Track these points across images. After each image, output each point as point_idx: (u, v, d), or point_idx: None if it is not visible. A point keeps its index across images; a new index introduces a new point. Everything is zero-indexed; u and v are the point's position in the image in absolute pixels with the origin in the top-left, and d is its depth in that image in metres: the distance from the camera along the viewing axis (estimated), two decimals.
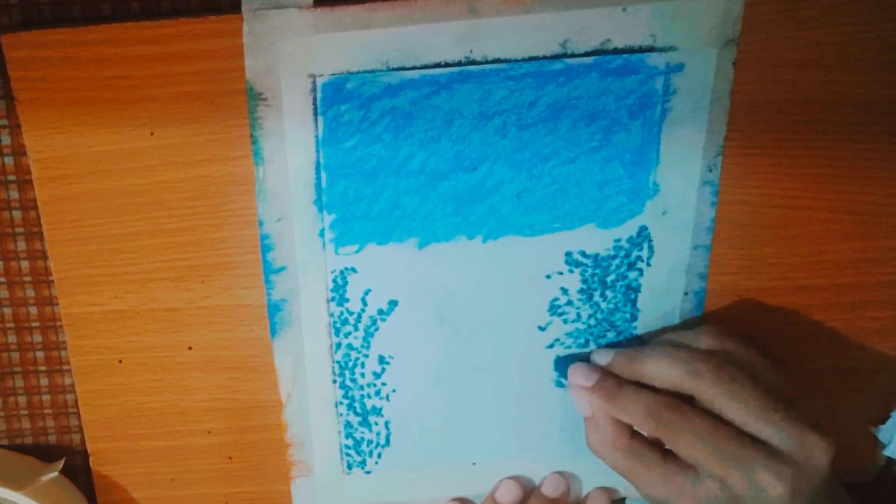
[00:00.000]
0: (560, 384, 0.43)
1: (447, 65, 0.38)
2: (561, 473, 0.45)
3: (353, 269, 0.41)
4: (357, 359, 0.43)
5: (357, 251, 0.41)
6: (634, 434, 0.39)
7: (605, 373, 0.40)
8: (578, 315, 0.42)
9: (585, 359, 0.42)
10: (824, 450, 0.35)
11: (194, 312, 0.42)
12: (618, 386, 0.39)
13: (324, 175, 0.39)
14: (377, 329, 0.42)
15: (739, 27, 0.37)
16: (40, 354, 0.44)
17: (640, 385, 0.39)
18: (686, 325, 0.42)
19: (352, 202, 0.40)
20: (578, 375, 0.40)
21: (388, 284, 0.41)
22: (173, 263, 0.41)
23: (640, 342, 0.43)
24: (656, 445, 0.39)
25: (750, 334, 0.43)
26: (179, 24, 0.37)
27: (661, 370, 0.38)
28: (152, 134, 0.39)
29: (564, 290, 0.42)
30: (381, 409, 0.44)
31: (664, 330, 0.42)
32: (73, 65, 0.38)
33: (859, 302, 0.43)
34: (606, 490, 0.45)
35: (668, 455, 0.38)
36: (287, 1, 0.37)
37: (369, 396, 0.43)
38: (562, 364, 0.43)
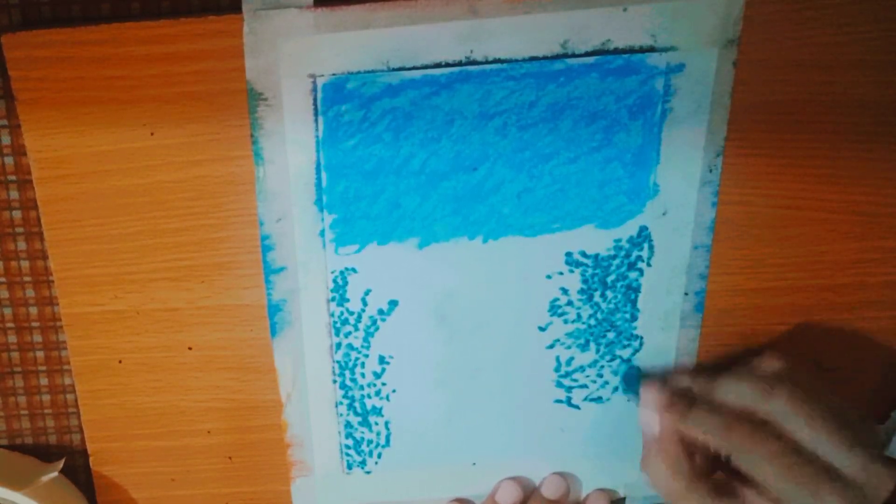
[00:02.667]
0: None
1: (447, 65, 0.38)
2: (560, 474, 0.45)
3: (354, 269, 0.41)
4: (357, 359, 0.43)
5: (357, 251, 0.41)
6: (693, 462, 0.39)
7: (678, 391, 0.41)
8: (578, 315, 0.42)
9: (659, 376, 0.43)
10: (887, 480, 0.36)
11: (194, 312, 0.42)
12: (689, 406, 0.40)
13: (324, 175, 0.39)
14: (377, 329, 0.42)
15: (739, 27, 0.37)
16: (40, 354, 0.44)
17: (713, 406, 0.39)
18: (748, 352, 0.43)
19: (352, 202, 0.40)
20: (652, 392, 0.41)
21: (388, 284, 0.41)
22: (173, 263, 0.41)
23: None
24: (710, 478, 0.39)
25: (750, 335, 0.43)
26: (179, 24, 0.37)
27: (738, 390, 0.39)
28: (152, 134, 0.39)
29: (565, 291, 0.42)
30: (381, 409, 0.44)
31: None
32: (73, 65, 0.38)
33: (859, 302, 0.43)
34: (606, 491, 0.45)
35: (720, 490, 0.39)
36: (287, 1, 0.37)
37: (369, 396, 0.43)
38: (631, 377, 0.43)
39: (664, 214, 0.41)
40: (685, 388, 0.41)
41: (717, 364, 0.43)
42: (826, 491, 0.36)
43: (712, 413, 0.39)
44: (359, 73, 0.38)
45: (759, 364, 0.40)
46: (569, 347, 0.43)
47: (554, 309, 0.42)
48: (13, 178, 0.41)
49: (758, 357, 0.40)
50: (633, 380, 0.43)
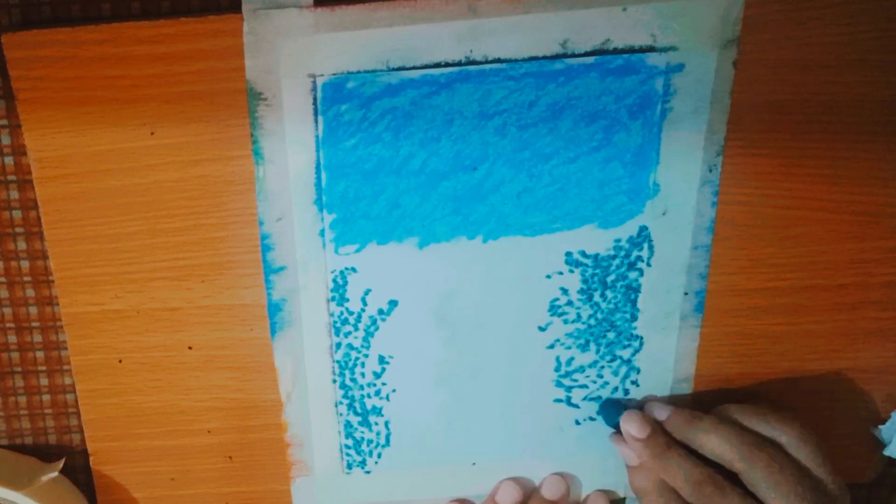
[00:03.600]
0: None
1: (447, 65, 0.38)
2: (560, 475, 0.45)
3: (353, 269, 0.41)
4: (357, 359, 0.43)
5: (357, 251, 0.41)
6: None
7: (658, 427, 0.41)
8: (578, 315, 0.42)
9: (638, 406, 0.43)
10: None
11: (194, 312, 0.42)
12: (667, 446, 0.40)
13: (324, 175, 0.39)
14: (377, 329, 0.42)
15: (739, 27, 0.37)
16: (40, 354, 0.44)
17: (690, 449, 0.40)
18: (746, 394, 0.44)
19: (352, 202, 0.40)
20: (632, 425, 0.41)
21: (388, 284, 0.41)
22: (173, 263, 0.41)
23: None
24: None
25: (750, 335, 0.43)
26: (179, 24, 0.37)
27: (715, 446, 0.39)
28: (152, 133, 0.39)
29: (564, 290, 0.42)
30: (381, 409, 0.44)
31: (720, 393, 0.43)
32: (73, 64, 0.38)
33: (859, 302, 0.43)
34: (606, 492, 0.45)
35: None
36: (287, 1, 0.37)
37: (369, 396, 0.43)
38: (609, 410, 0.43)
39: (664, 214, 0.41)
40: (668, 425, 0.41)
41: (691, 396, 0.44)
42: None
43: (686, 461, 0.39)
44: (358, 72, 0.38)
45: (749, 420, 0.40)
46: (569, 347, 0.43)
47: (554, 309, 0.42)
48: (13, 178, 0.41)
49: (751, 410, 0.40)
50: (611, 411, 0.43)
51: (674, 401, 0.43)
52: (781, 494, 0.37)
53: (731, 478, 0.39)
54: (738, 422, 0.40)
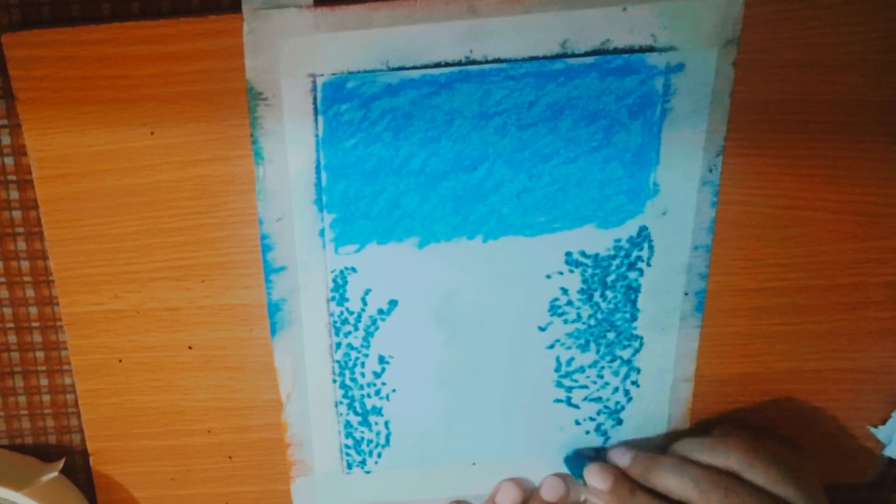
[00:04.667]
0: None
1: (447, 64, 0.38)
2: (560, 476, 0.45)
3: (353, 269, 0.41)
4: (357, 358, 0.43)
5: (357, 251, 0.41)
6: None
7: (621, 475, 0.41)
8: (578, 315, 0.42)
9: (601, 453, 0.43)
10: None
11: (194, 312, 0.42)
12: (632, 492, 0.41)
13: (324, 175, 0.39)
14: (377, 329, 0.42)
15: (739, 27, 0.37)
16: (40, 354, 0.44)
17: (653, 492, 0.40)
18: (699, 426, 0.44)
19: (352, 202, 0.40)
20: (595, 478, 0.42)
21: (388, 284, 0.41)
22: (173, 263, 0.41)
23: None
24: None
25: (750, 335, 0.43)
26: (179, 24, 0.37)
27: (675, 485, 0.40)
28: (152, 133, 0.39)
29: (564, 290, 0.42)
30: (381, 409, 0.44)
31: (675, 435, 0.44)
32: (73, 64, 0.38)
33: (859, 302, 0.43)
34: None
35: None
36: (287, 1, 0.37)
37: (369, 396, 0.43)
38: (574, 462, 0.44)
39: (664, 214, 0.41)
40: (630, 472, 0.42)
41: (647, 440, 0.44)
42: None
43: (654, 501, 0.40)
44: (358, 72, 0.38)
45: (706, 454, 0.40)
46: (569, 348, 0.43)
47: (554, 309, 0.42)
48: (13, 178, 0.41)
49: (707, 443, 0.41)
50: (576, 463, 0.43)
51: (640, 444, 0.44)
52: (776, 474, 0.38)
53: None
54: (692, 458, 0.41)
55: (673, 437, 0.44)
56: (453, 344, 0.43)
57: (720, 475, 0.39)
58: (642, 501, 0.40)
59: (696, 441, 0.41)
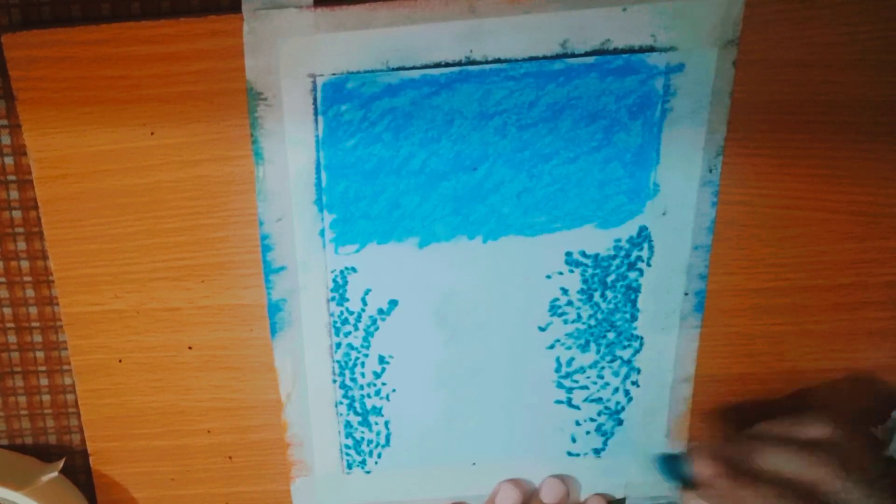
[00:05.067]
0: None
1: (447, 65, 0.38)
2: (559, 477, 0.45)
3: (353, 269, 0.41)
4: (357, 358, 0.43)
5: (357, 251, 0.41)
6: None
7: (728, 460, 0.40)
8: (579, 315, 0.42)
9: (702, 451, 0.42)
10: None
11: (194, 312, 0.42)
12: (742, 472, 0.39)
13: (324, 175, 0.39)
14: (377, 329, 0.42)
15: (739, 27, 0.37)
16: (40, 354, 0.44)
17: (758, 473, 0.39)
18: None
19: (352, 202, 0.40)
20: (703, 464, 0.40)
21: (388, 284, 0.41)
22: (173, 263, 0.41)
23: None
24: None
25: (750, 335, 0.43)
26: (179, 24, 0.37)
27: (783, 463, 0.39)
28: (152, 133, 0.39)
29: (564, 290, 0.42)
30: (381, 409, 0.44)
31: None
32: (73, 65, 0.38)
33: (859, 302, 0.43)
34: (604, 496, 0.45)
35: None
36: (287, 1, 0.37)
37: (369, 396, 0.43)
38: (668, 462, 0.42)
39: (664, 214, 0.41)
40: (730, 457, 0.40)
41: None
42: None
43: (760, 485, 0.38)
44: (358, 72, 0.38)
45: (800, 431, 0.40)
46: (569, 348, 0.43)
47: (554, 309, 0.42)
48: (13, 178, 0.41)
49: (799, 421, 0.40)
50: (670, 463, 0.42)
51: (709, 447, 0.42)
52: (855, 480, 0.37)
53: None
54: (781, 437, 0.40)
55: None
56: (453, 344, 0.43)
57: (821, 444, 0.38)
58: (751, 482, 0.39)
59: (790, 420, 0.40)
